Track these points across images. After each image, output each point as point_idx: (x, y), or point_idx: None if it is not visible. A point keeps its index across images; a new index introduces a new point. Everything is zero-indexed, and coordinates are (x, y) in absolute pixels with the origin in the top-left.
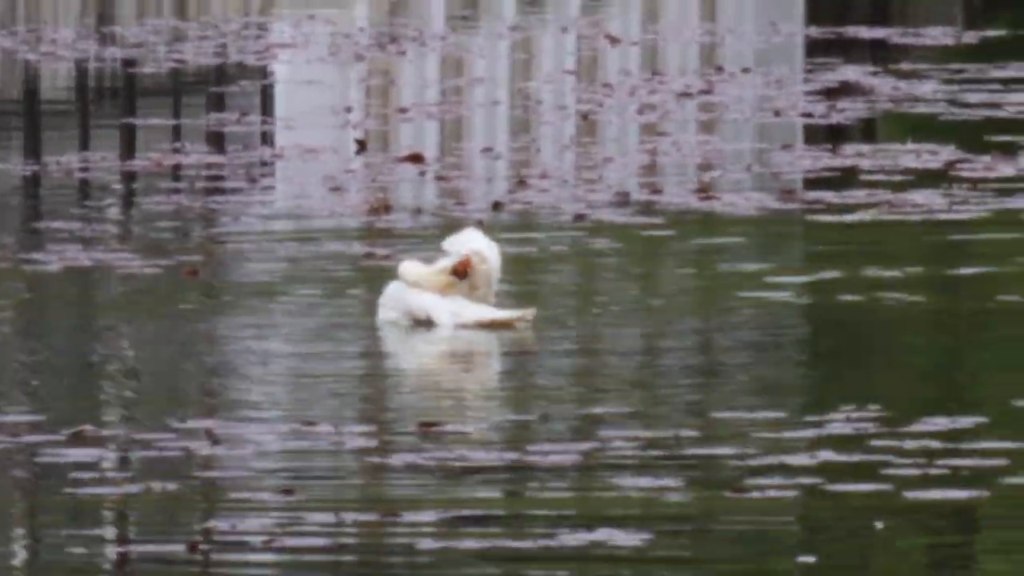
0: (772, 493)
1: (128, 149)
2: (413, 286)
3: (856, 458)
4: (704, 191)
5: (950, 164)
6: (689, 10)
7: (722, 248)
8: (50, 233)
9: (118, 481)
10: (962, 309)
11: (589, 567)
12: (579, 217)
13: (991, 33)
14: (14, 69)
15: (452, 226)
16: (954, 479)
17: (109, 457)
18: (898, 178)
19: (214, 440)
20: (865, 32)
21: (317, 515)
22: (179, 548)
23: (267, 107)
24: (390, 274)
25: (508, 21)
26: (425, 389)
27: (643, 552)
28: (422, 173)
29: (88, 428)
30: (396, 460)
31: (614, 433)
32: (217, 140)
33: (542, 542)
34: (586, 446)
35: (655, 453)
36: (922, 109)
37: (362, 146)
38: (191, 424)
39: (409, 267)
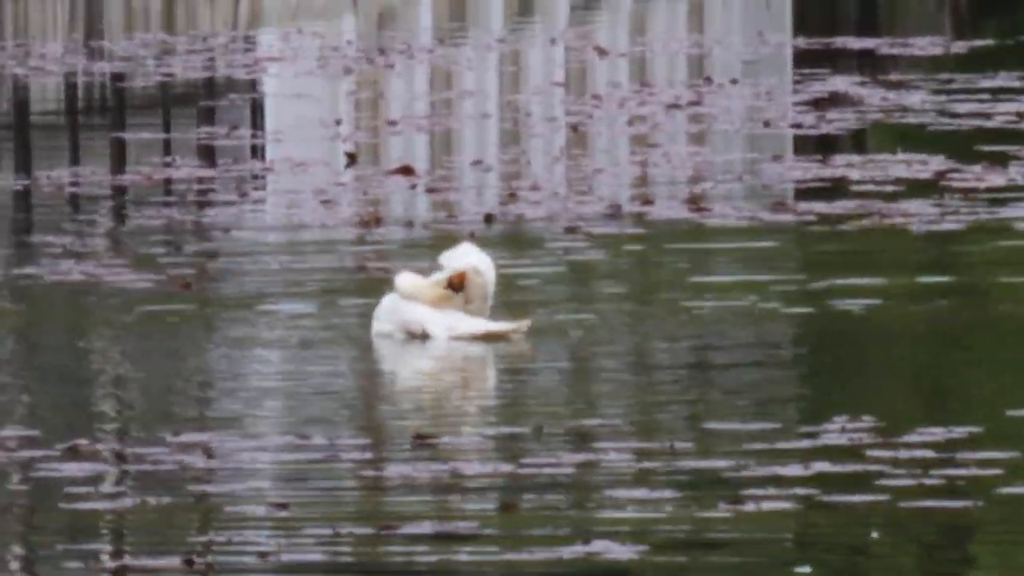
0: (767, 505)
1: (118, 163)
2: (408, 299)
3: (851, 469)
4: (695, 203)
5: (940, 174)
6: (677, 21)
7: (714, 260)
8: (42, 247)
9: (113, 495)
10: (955, 319)
11: None
12: (570, 229)
13: (979, 43)
14: (3, 84)
15: (443, 239)
16: (949, 489)
17: (104, 472)
18: (889, 188)
19: (209, 454)
20: (853, 42)
21: (313, 529)
22: (175, 562)
23: (257, 120)
24: (383, 287)
25: (496, 33)
26: (420, 402)
27: (639, 565)
28: (413, 186)
29: (82, 443)
30: (391, 473)
31: (608, 445)
32: (207, 154)
33: (538, 555)
34: (580, 458)
35: (650, 465)
36: (911, 119)
37: (352, 159)
38: (185, 438)
39: (405, 280)
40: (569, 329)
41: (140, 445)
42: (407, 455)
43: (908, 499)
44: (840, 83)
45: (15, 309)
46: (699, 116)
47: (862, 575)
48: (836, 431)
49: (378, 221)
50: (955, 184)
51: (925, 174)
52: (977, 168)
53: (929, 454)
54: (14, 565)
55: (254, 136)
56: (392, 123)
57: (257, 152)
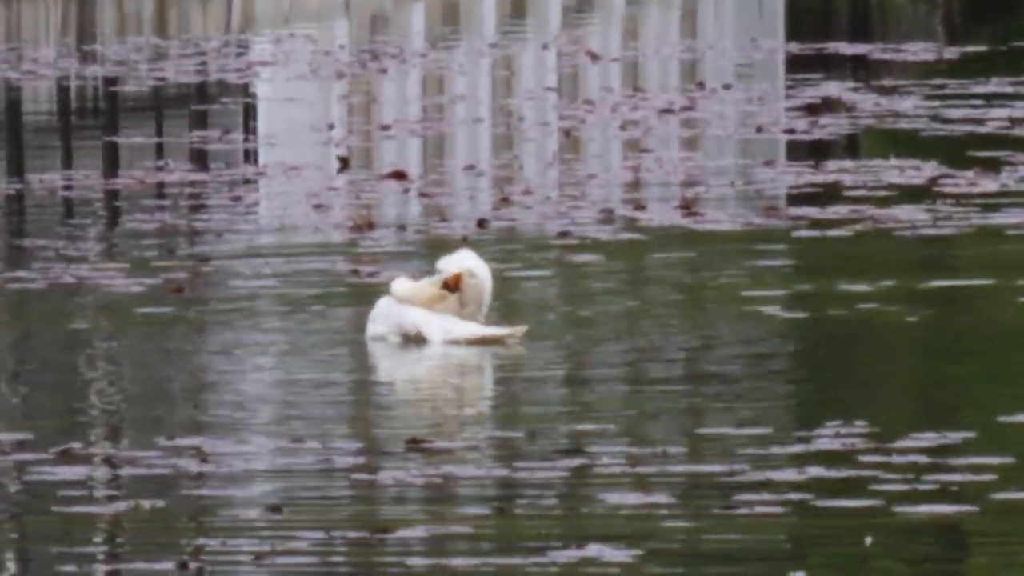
0: (760, 509)
1: (111, 167)
2: (404, 302)
3: (844, 474)
4: (687, 207)
5: (933, 180)
6: (670, 26)
7: (706, 264)
8: (34, 251)
9: (107, 499)
10: (948, 324)
11: None
12: (563, 234)
13: (972, 48)
14: None
15: (436, 243)
16: (943, 494)
17: (97, 475)
18: (881, 194)
19: (202, 458)
20: (846, 48)
21: (307, 532)
22: (169, 566)
23: (249, 124)
24: (376, 291)
25: (489, 38)
26: (413, 406)
27: (633, 569)
28: (405, 190)
29: (76, 446)
30: (385, 477)
31: (602, 449)
32: (200, 158)
33: (532, 559)
34: (574, 462)
35: (643, 470)
36: (904, 125)
37: (345, 163)
38: (179, 442)
39: (400, 284)
40: (562, 334)
41: (133, 449)
42: (401, 459)
43: (902, 504)
44: (833, 88)
45: (7, 313)
46: (692, 121)
47: None
48: (829, 436)
49: (371, 225)
50: (948, 189)
51: (918, 179)
52: (970, 173)
53: (922, 459)
54: (8, 569)
55: (247, 140)
56: (385, 127)
57: (250, 156)
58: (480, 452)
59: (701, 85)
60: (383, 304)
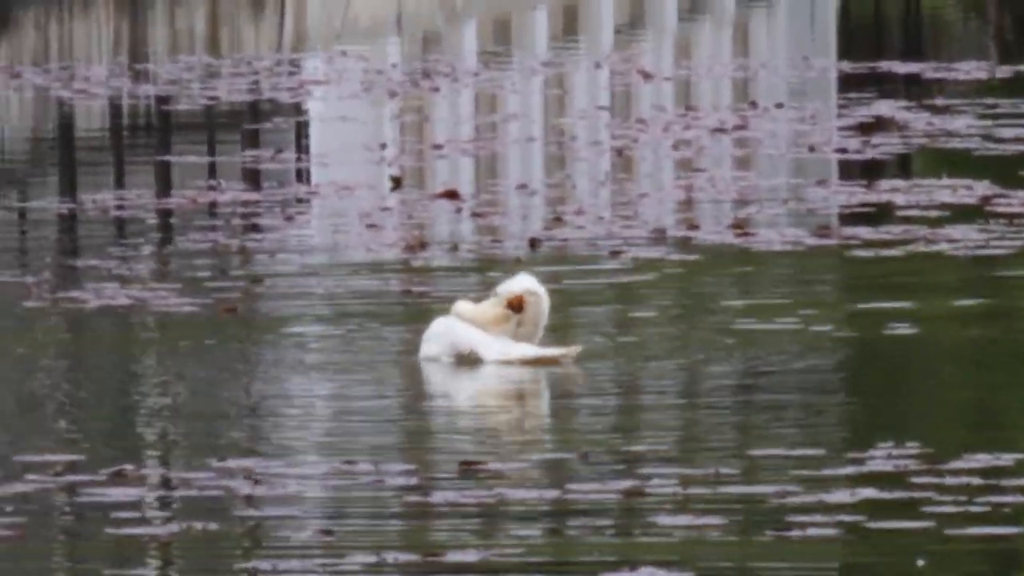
0: (813, 531)
1: (163, 187)
2: (466, 323)
3: (897, 495)
4: (740, 227)
5: (985, 199)
6: (722, 45)
7: (759, 284)
8: (87, 271)
9: (159, 521)
10: (1001, 344)
11: None
12: (615, 253)
13: None
14: (47, 107)
15: (488, 263)
16: (995, 516)
17: (150, 497)
18: (934, 213)
19: (254, 480)
20: (898, 67)
21: (358, 556)
22: None
23: (302, 144)
24: (428, 310)
25: (541, 56)
26: (465, 427)
27: None
28: (458, 210)
29: (128, 468)
30: (437, 499)
31: (654, 471)
32: (252, 177)
33: None
34: (626, 484)
35: (695, 491)
36: (956, 144)
37: (397, 183)
38: (231, 463)
39: (463, 305)
40: (614, 354)
41: (186, 470)
42: (453, 481)
43: (954, 526)
44: (885, 108)
45: (60, 333)
46: (744, 140)
47: None
48: (882, 457)
49: (423, 245)
50: (1000, 209)
51: (970, 199)
52: (1022, 193)
53: (975, 480)
54: None
55: (299, 159)
56: (437, 147)
57: (302, 176)
58: (533, 474)
59: (753, 104)
60: (438, 324)
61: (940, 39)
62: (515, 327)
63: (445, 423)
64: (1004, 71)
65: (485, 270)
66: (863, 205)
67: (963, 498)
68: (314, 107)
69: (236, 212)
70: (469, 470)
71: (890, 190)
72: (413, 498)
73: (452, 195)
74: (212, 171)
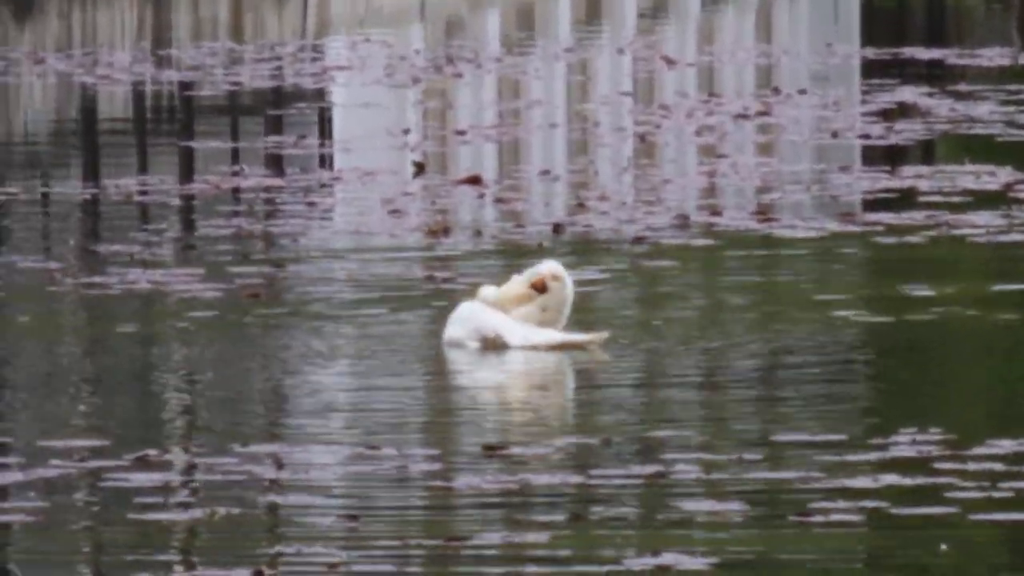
0: (836, 517)
1: (186, 172)
2: (492, 306)
3: (920, 481)
4: (763, 213)
5: (1008, 185)
6: (744, 31)
7: (782, 270)
8: (110, 256)
9: (183, 506)
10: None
11: None
12: (638, 240)
13: None
14: (71, 93)
15: (511, 249)
16: (1018, 502)
17: (173, 482)
18: (956, 199)
19: (278, 465)
20: (921, 53)
21: (382, 541)
22: (244, 574)
23: (325, 129)
24: (451, 296)
25: (564, 42)
26: (489, 412)
27: None
28: (481, 196)
29: (152, 453)
30: (461, 485)
31: (677, 457)
32: (275, 163)
33: (608, 567)
34: (650, 470)
35: (718, 477)
36: (979, 130)
37: (420, 168)
38: (254, 448)
39: (488, 290)
40: (637, 340)
41: (209, 455)
42: (477, 466)
43: (977, 512)
44: (908, 94)
45: (84, 318)
46: (767, 127)
47: None
48: (905, 443)
49: (446, 231)
50: (1023, 195)
51: (993, 185)
52: None
53: (998, 467)
54: (85, 575)
55: (322, 145)
56: (460, 132)
57: (325, 161)
58: (556, 459)
59: (776, 90)
60: (464, 307)
61: (963, 25)
62: (540, 312)
63: (468, 408)
64: None
65: (508, 256)
66: (886, 191)
67: (986, 484)
68: (337, 93)
69: (259, 197)
70: (492, 455)
71: (913, 176)
72: (436, 483)
73: (475, 181)
74: (235, 156)
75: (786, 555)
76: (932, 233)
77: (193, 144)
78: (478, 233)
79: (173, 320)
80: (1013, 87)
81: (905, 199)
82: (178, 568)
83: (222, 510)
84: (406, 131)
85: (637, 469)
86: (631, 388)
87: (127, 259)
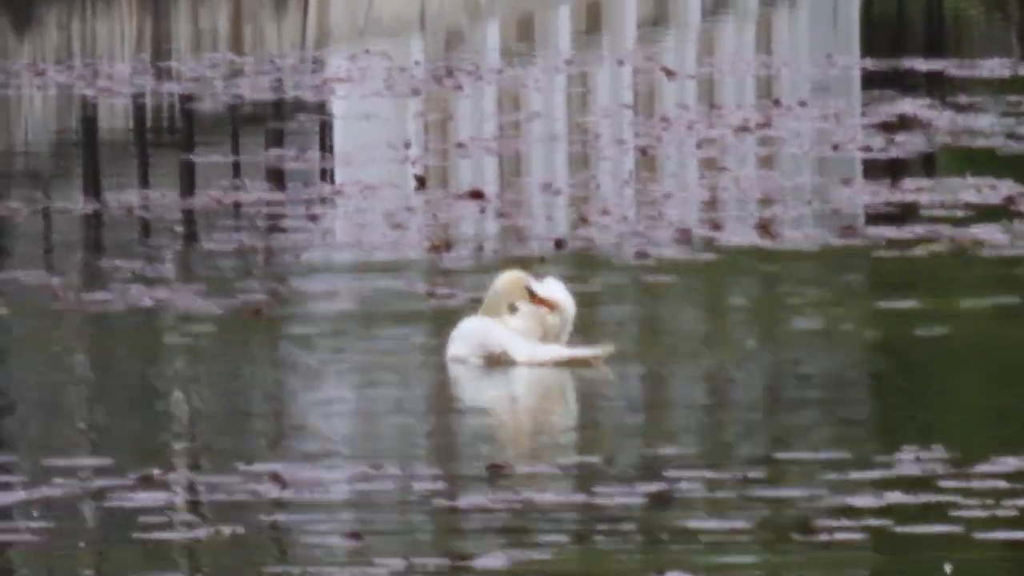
0: (840, 535)
1: (187, 186)
2: (506, 293)
3: (924, 499)
4: (764, 227)
5: (1010, 198)
6: (745, 43)
7: (784, 284)
8: (112, 272)
9: (186, 525)
10: None
11: None
12: (640, 254)
13: None
14: (71, 105)
15: (513, 263)
16: (1023, 520)
17: (177, 501)
18: (958, 213)
19: (282, 483)
20: (921, 64)
21: (386, 559)
22: None
23: (326, 142)
24: (453, 311)
25: (564, 54)
26: (492, 430)
27: None
28: (483, 210)
29: (156, 472)
30: (465, 503)
31: (681, 474)
32: (277, 176)
33: None
34: (653, 487)
35: (722, 495)
36: (980, 143)
37: (422, 182)
38: (258, 467)
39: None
40: (639, 355)
41: (213, 474)
42: (481, 485)
43: (981, 530)
44: (908, 106)
45: (85, 334)
46: (768, 139)
47: None
48: (909, 461)
49: (448, 245)
50: None
51: (994, 198)
52: None
53: (1002, 484)
54: None
55: (323, 159)
56: (461, 145)
57: (326, 175)
58: (560, 478)
59: (777, 102)
60: (467, 324)
61: (963, 37)
62: (541, 328)
63: (472, 426)
64: None
65: (510, 270)
66: (887, 204)
67: (991, 502)
68: (338, 106)
69: (260, 212)
70: (497, 473)
71: (914, 189)
72: (440, 501)
73: (477, 195)
74: (236, 170)
75: (790, 574)
76: (933, 246)
77: (194, 158)
78: (480, 248)
79: (175, 336)
80: (1014, 98)
81: (906, 212)
82: None
83: (226, 529)
84: (407, 144)
85: (641, 487)
86: (633, 405)
87: (129, 275)
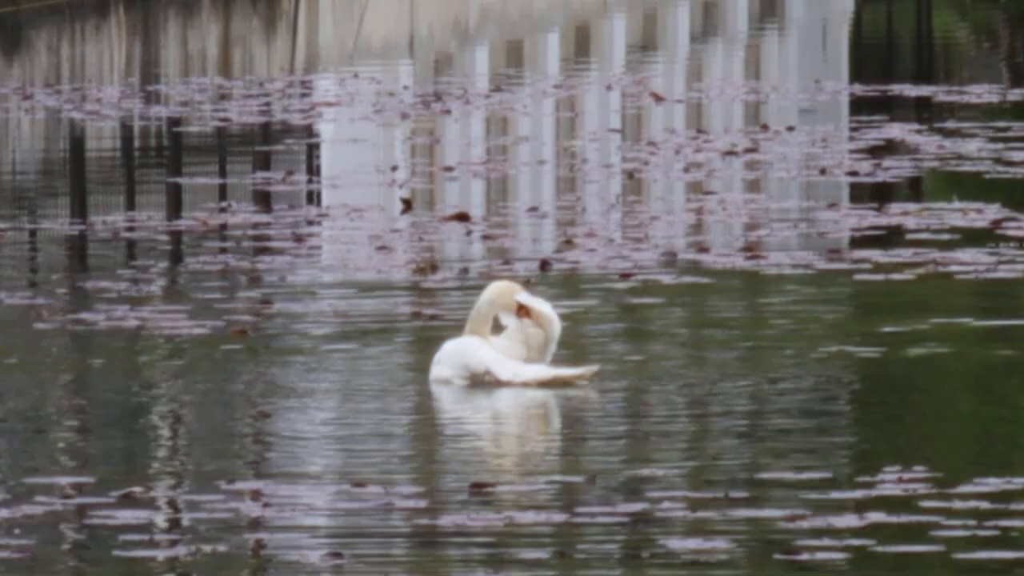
0: (821, 555)
1: (174, 208)
2: (498, 302)
3: (906, 519)
4: (750, 250)
5: (996, 223)
6: (733, 68)
7: (769, 307)
8: (97, 293)
9: (167, 543)
10: (1011, 368)
11: None
12: (626, 276)
13: None
14: (59, 128)
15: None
16: (1003, 541)
17: (158, 519)
18: (944, 237)
19: (263, 502)
20: (910, 90)
21: None
22: None
23: (313, 166)
24: (439, 333)
25: (552, 79)
26: (475, 449)
27: None
28: (468, 232)
29: (137, 490)
30: (446, 522)
31: (663, 494)
32: (263, 199)
33: None
34: (635, 507)
35: (704, 515)
36: (967, 167)
37: (408, 205)
38: (240, 485)
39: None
40: (623, 377)
41: (195, 493)
42: (462, 504)
43: (963, 551)
44: (896, 131)
45: (70, 355)
46: (755, 163)
47: None
48: (891, 481)
49: (433, 268)
50: (1011, 232)
51: (981, 222)
52: None
53: (984, 505)
54: None
55: (310, 181)
56: (448, 169)
57: (313, 198)
58: (542, 497)
59: (765, 127)
60: (450, 345)
61: (951, 62)
62: (525, 349)
63: (455, 445)
64: (1015, 94)
65: (502, 281)
66: (874, 228)
67: (972, 522)
68: (325, 129)
69: (247, 234)
70: (479, 493)
71: (901, 213)
72: (422, 521)
73: (462, 217)
74: (223, 193)
75: None
76: (919, 270)
77: (181, 180)
78: (465, 270)
79: (159, 357)
80: (1001, 124)
81: (892, 236)
82: None
83: (207, 548)
84: (394, 168)
85: (623, 507)
86: (616, 425)
87: (114, 296)
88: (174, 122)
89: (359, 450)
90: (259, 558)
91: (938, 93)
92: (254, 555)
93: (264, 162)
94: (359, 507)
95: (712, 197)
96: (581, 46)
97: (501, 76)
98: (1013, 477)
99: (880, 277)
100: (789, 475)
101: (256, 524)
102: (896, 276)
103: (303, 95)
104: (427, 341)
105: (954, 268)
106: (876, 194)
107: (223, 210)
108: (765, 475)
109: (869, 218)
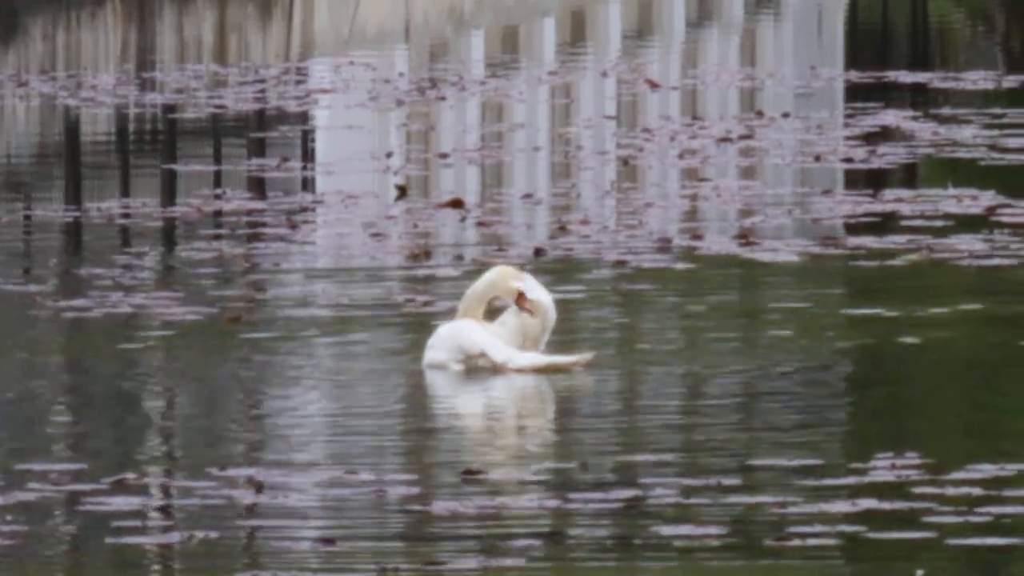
0: (813, 541)
1: (169, 195)
2: (501, 284)
3: (898, 506)
4: (745, 237)
5: (991, 209)
6: (729, 54)
7: (763, 294)
8: (91, 279)
9: (160, 530)
10: (1005, 354)
11: None
12: (620, 263)
13: None
14: (54, 115)
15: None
16: (996, 527)
17: (151, 506)
18: (939, 223)
19: (256, 488)
20: (905, 76)
21: (360, 565)
22: None
23: (308, 152)
24: (432, 319)
25: (548, 65)
26: (468, 436)
27: None
28: (463, 219)
29: (130, 477)
30: (439, 508)
31: (655, 481)
32: (258, 186)
33: None
34: (627, 494)
35: (696, 501)
36: (962, 154)
37: (402, 192)
38: (232, 472)
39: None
40: (618, 363)
41: (187, 479)
42: (454, 490)
43: (955, 537)
44: (891, 117)
45: (64, 341)
46: (750, 150)
47: None
48: (884, 468)
49: (428, 254)
50: (1005, 219)
51: (976, 209)
52: None
53: (977, 491)
54: None
55: (305, 168)
56: (443, 156)
57: (308, 184)
58: (534, 484)
59: (760, 114)
60: (444, 330)
61: (947, 49)
62: (521, 336)
63: (447, 431)
64: (1011, 81)
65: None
66: (869, 215)
67: (964, 509)
68: (320, 116)
69: (241, 221)
70: (472, 479)
71: (895, 200)
72: (415, 507)
73: (457, 204)
74: (218, 180)
75: None
76: (914, 257)
77: (176, 167)
78: (459, 257)
79: (153, 343)
80: (997, 111)
81: (887, 223)
82: None
83: (200, 534)
84: (389, 154)
85: (615, 493)
86: (609, 412)
87: (108, 282)
88: (169, 109)
89: (351, 437)
90: (251, 544)
91: (933, 80)
92: (246, 541)
93: (259, 149)
94: (352, 494)
95: (707, 184)
96: (576, 32)
97: (496, 63)
98: (1006, 463)
99: (874, 263)
100: (781, 461)
101: (248, 510)
102: (890, 262)
103: (298, 82)
104: (421, 327)
105: (948, 254)
106: (871, 181)
107: (218, 197)
108: (757, 461)
109: (864, 205)
